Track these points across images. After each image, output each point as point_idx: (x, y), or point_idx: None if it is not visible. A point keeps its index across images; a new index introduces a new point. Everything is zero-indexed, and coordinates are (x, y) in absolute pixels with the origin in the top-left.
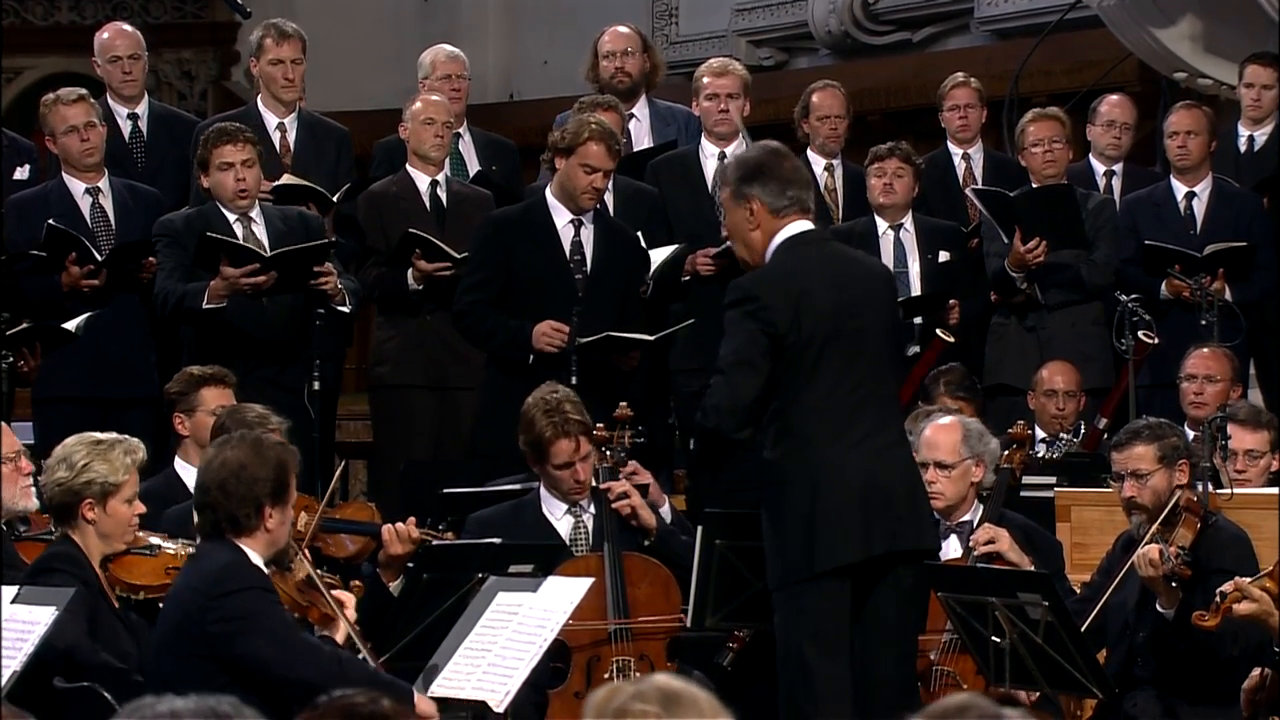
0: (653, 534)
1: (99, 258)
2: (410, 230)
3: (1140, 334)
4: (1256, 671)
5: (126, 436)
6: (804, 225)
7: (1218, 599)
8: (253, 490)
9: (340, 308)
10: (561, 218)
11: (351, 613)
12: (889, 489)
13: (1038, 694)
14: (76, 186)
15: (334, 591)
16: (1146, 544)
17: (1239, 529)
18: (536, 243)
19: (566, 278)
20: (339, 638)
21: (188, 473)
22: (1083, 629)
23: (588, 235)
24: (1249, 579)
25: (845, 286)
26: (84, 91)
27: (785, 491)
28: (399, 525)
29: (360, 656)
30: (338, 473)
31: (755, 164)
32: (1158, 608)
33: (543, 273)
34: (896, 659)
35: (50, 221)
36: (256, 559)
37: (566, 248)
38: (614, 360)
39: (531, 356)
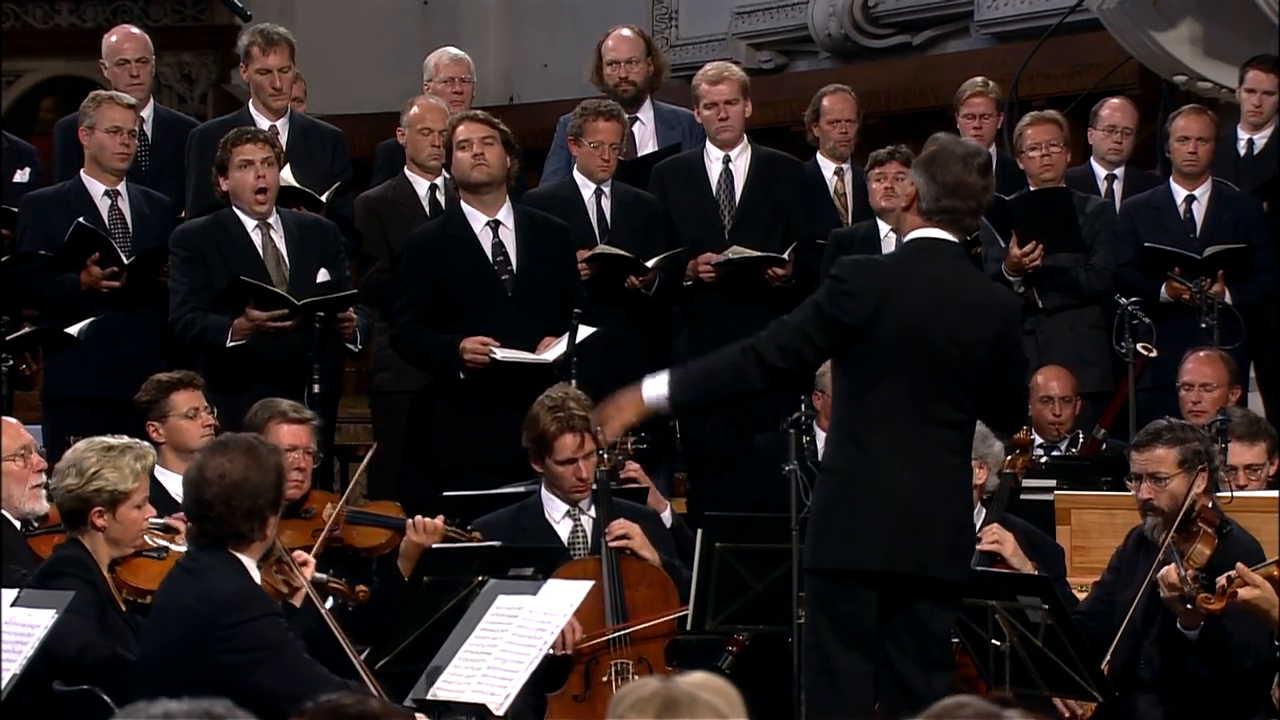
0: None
1: (125, 261)
2: None
3: (1139, 346)
4: None
5: (138, 441)
6: (939, 234)
7: (1224, 583)
8: (258, 503)
9: (350, 345)
10: (478, 222)
11: (310, 570)
12: (928, 513)
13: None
14: (95, 188)
15: (292, 553)
16: (1164, 559)
17: (1253, 540)
18: (458, 253)
19: (493, 282)
20: (297, 601)
21: (168, 479)
22: (1097, 630)
23: (507, 235)
24: (1254, 566)
25: (942, 306)
26: (135, 102)
27: (828, 487)
28: (425, 518)
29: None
30: (364, 463)
31: (934, 159)
32: (1179, 627)
33: (470, 282)
34: (926, 671)
35: (80, 220)
36: (253, 569)
37: (488, 251)
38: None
39: (462, 373)
